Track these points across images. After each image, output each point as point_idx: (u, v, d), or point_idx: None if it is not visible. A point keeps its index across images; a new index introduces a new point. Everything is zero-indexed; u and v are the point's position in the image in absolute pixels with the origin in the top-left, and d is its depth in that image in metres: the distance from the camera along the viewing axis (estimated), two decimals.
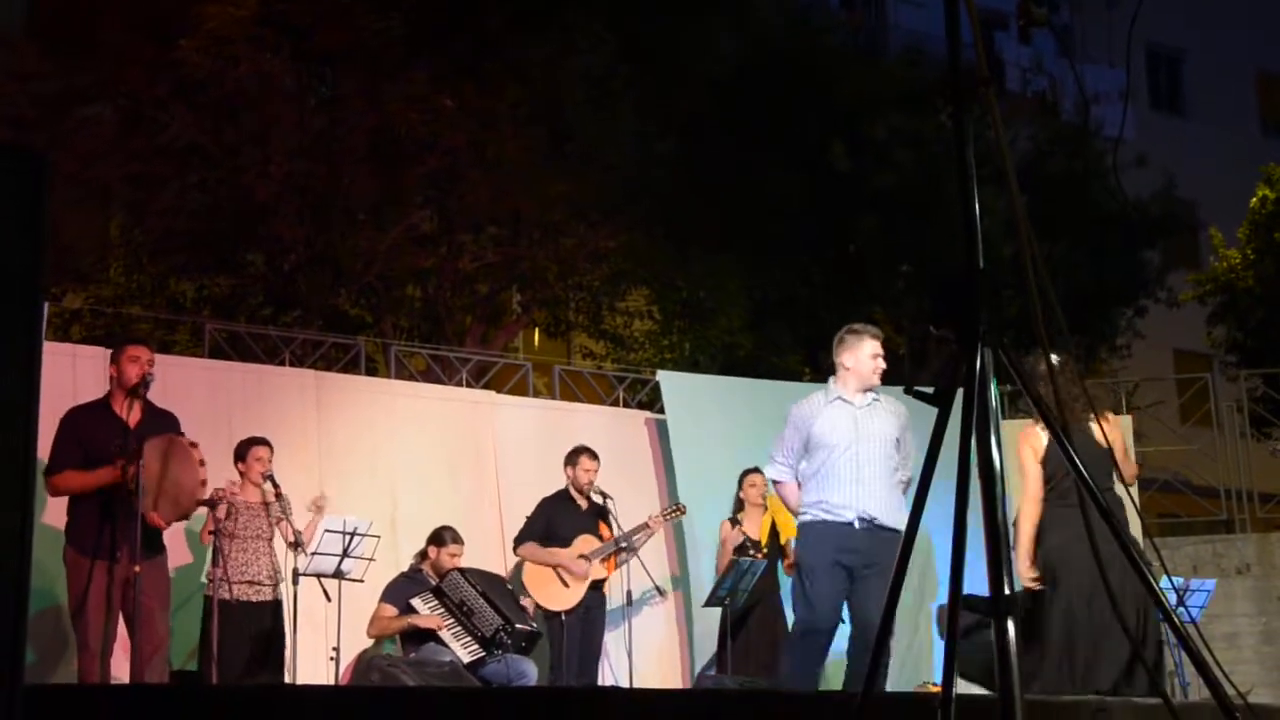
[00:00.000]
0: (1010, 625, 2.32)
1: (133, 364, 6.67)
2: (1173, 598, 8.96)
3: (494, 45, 12.34)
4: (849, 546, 6.25)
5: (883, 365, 6.48)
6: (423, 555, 8.48)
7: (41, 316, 1.99)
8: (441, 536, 8.40)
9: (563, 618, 8.60)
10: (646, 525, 8.95)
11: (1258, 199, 18.08)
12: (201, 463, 6.60)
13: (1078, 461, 2.52)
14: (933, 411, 2.48)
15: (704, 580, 9.64)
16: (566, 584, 8.68)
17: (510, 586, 8.59)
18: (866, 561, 6.20)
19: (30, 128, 11.53)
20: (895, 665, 8.03)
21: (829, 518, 6.30)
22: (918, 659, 9.86)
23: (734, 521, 9.23)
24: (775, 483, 6.77)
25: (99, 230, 13.27)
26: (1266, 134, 25.91)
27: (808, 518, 6.43)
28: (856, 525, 6.26)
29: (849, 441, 6.30)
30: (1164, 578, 8.55)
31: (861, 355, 6.42)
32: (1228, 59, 25.52)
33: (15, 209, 1.95)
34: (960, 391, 2.44)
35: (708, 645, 9.55)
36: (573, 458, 8.99)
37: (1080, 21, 24.36)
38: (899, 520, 6.12)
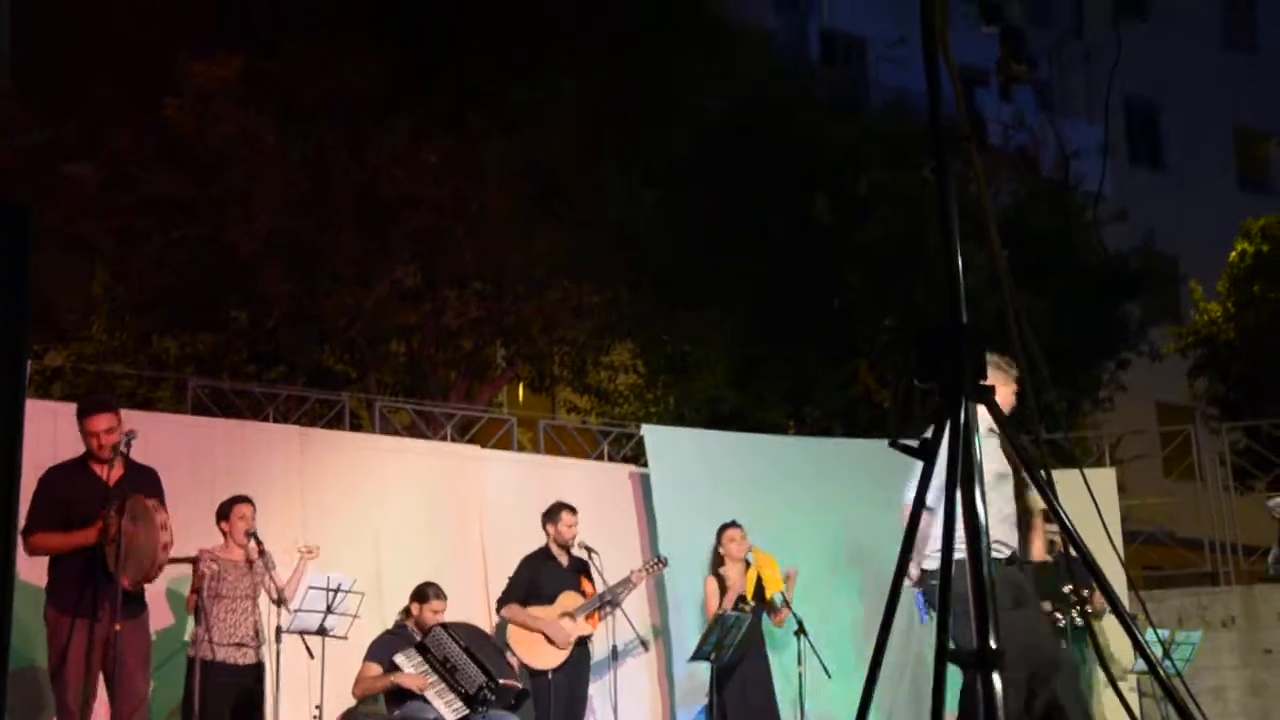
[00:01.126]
0: (996, 677, 2.32)
1: (108, 435, 6.53)
2: (1158, 650, 8.94)
3: (476, 95, 12.39)
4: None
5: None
6: (406, 612, 8.42)
7: (25, 370, 1.98)
8: (424, 593, 8.34)
9: (549, 676, 8.55)
10: (629, 580, 8.91)
11: (1237, 253, 18.22)
12: (164, 526, 6.48)
13: (1063, 514, 2.52)
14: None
15: (686, 634, 9.60)
16: (553, 642, 8.63)
17: (494, 642, 8.53)
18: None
19: (14, 181, 11.54)
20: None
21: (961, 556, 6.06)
22: (916, 710, 9.79)
23: (718, 577, 9.19)
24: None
25: (82, 287, 13.25)
26: (1244, 188, 26.13)
27: (935, 564, 6.07)
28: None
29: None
30: (1149, 630, 8.53)
31: (1010, 388, 6.03)
32: (1205, 114, 25.78)
33: (1, 264, 1.94)
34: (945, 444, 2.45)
35: (689, 700, 9.52)
36: (553, 514, 8.95)
37: (1060, 77, 24.61)
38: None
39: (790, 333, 15.05)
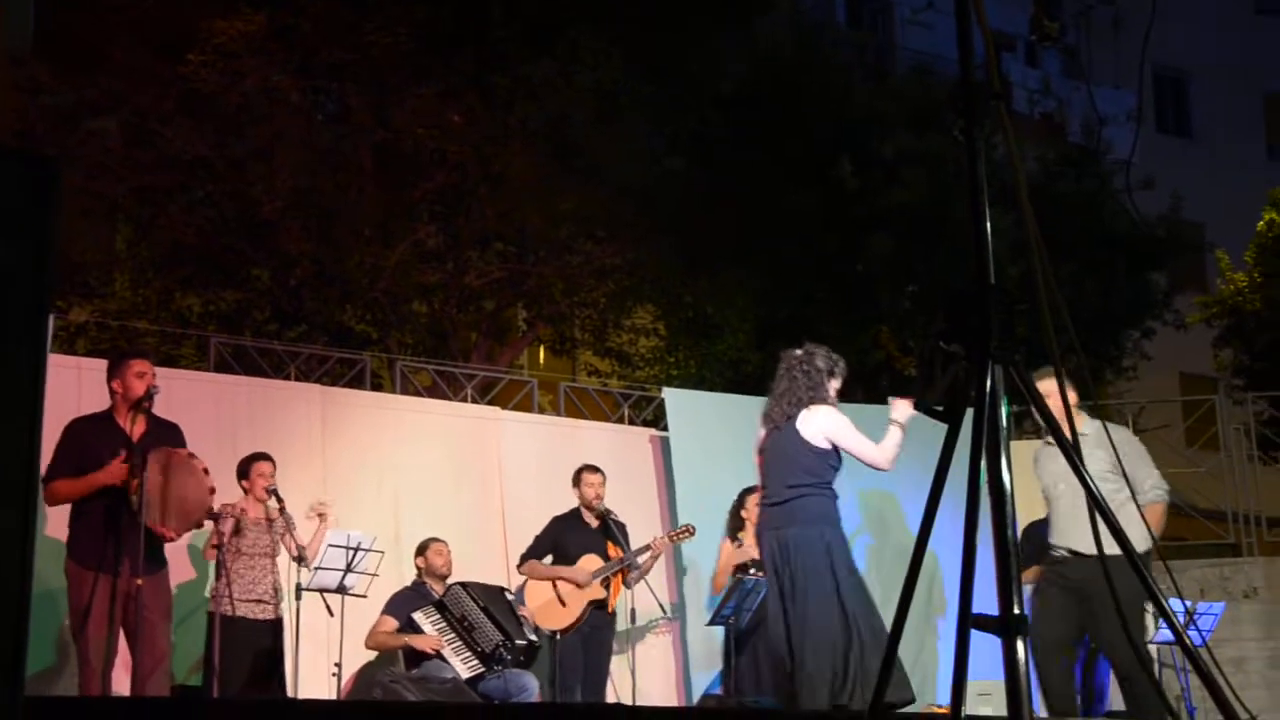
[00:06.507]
0: (1020, 644, 2.30)
1: (139, 379, 6.64)
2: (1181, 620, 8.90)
3: (501, 61, 12.35)
4: None
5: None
6: (419, 571, 8.49)
7: (47, 320, 1.97)
8: (421, 547, 8.46)
9: (557, 636, 8.55)
10: (649, 546, 8.88)
11: (1264, 222, 18.08)
12: (206, 471, 6.57)
13: (1089, 478, 2.50)
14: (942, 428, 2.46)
15: (701, 599, 9.60)
16: (564, 603, 8.63)
17: (510, 598, 8.55)
18: None
19: (38, 141, 11.56)
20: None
21: None
22: (923, 677, 9.78)
23: (735, 540, 9.16)
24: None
25: (105, 244, 13.28)
26: (1273, 156, 25.89)
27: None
28: None
29: None
30: (1174, 599, 8.49)
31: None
32: (1235, 81, 25.52)
33: (25, 214, 1.93)
34: (971, 409, 2.42)
35: (704, 665, 9.51)
36: (577, 476, 8.96)
37: (1087, 45, 24.39)
38: None
39: (812, 298, 15.00)
